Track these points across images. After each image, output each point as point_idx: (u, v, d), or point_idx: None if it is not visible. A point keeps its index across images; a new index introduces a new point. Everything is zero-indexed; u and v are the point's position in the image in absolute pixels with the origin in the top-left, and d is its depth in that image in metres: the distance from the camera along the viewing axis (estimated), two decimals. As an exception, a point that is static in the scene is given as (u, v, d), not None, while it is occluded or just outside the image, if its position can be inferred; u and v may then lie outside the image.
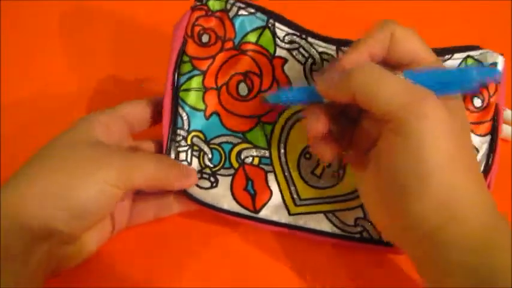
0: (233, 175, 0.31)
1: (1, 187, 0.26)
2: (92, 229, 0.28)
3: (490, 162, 0.30)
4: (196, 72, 0.31)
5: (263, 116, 0.32)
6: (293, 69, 0.31)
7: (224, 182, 0.31)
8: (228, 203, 0.31)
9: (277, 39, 0.31)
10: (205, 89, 0.32)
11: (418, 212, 0.23)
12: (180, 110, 0.31)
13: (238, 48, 0.31)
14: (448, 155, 0.23)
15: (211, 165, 0.31)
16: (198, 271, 0.32)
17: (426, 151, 0.22)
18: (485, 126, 0.31)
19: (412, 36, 0.26)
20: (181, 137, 0.31)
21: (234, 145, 0.31)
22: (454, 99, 0.25)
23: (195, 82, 0.31)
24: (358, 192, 0.29)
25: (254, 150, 0.32)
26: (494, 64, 0.30)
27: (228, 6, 0.31)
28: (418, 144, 0.22)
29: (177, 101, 0.31)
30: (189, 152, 0.31)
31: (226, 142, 0.32)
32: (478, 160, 0.30)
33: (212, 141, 0.31)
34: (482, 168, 0.30)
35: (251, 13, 0.31)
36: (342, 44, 0.31)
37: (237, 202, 0.31)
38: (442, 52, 0.31)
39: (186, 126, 0.31)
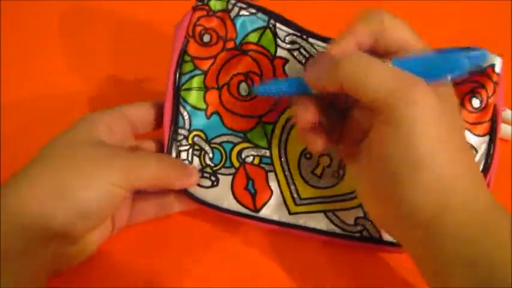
0: (234, 174, 0.32)
1: (1, 187, 0.26)
2: (93, 229, 0.28)
3: (489, 162, 0.31)
4: (197, 71, 0.32)
5: (264, 116, 0.32)
6: (294, 69, 0.32)
7: (225, 181, 0.31)
8: (229, 202, 0.31)
9: (278, 39, 0.32)
10: (206, 89, 0.32)
11: (411, 200, 0.23)
12: (182, 109, 0.31)
13: (240, 48, 0.32)
14: (439, 141, 0.23)
15: (212, 165, 0.32)
16: (199, 270, 0.32)
17: (417, 138, 0.22)
18: (484, 127, 0.31)
19: (401, 24, 0.26)
20: (182, 136, 0.31)
21: (235, 144, 0.32)
22: (444, 85, 0.25)
23: (196, 82, 0.32)
24: (353, 184, 0.29)
25: (255, 149, 0.32)
26: (492, 66, 0.31)
27: (230, 7, 0.31)
28: (408, 131, 0.22)
29: (178, 100, 0.31)
30: (190, 151, 0.32)
31: (227, 141, 0.32)
32: (477, 160, 0.31)
33: (213, 141, 0.32)
34: (481, 168, 0.31)
35: (252, 13, 0.32)
36: None
37: (238, 201, 0.31)
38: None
39: (187, 126, 0.32)
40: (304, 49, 0.32)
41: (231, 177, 0.32)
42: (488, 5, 0.48)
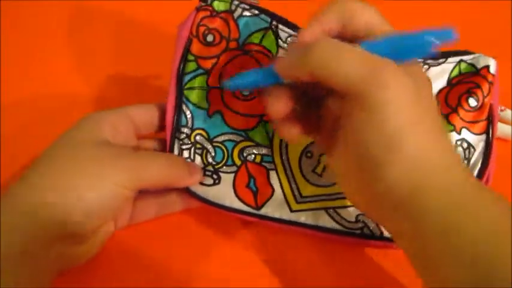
0: (235, 172, 0.32)
1: (14, 186, 0.27)
2: (99, 229, 0.29)
3: (486, 160, 0.31)
4: (200, 71, 0.32)
5: (265, 115, 0.33)
6: None
7: (226, 179, 0.32)
8: (231, 200, 0.32)
9: (279, 40, 0.32)
10: (209, 88, 0.32)
11: (387, 180, 0.23)
12: (184, 108, 0.32)
13: (242, 48, 0.32)
14: (412, 122, 0.23)
15: (214, 163, 0.32)
16: (200, 269, 0.32)
17: (391, 122, 0.22)
18: (481, 125, 0.32)
19: (367, 9, 0.26)
20: (184, 135, 0.32)
21: (237, 143, 0.32)
22: (414, 65, 0.25)
23: (199, 81, 0.32)
24: (328, 163, 0.29)
25: (256, 148, 0.32)
26: (487, 67, 0.32)
27: (233, 7, 0.32)
28: (382, 115, 0.22)
29: (181, 99, 0.32)
30: (192, 149, 0.32)
31: (229, 140, 0.32)
32: (475, 158, 0.31)
33: (215, 139, 0.32)
34: (479, 166, 0.31)
35: (255, 14, 0.32)
36: None
37: (239, 199, 0.32)
38: (437, 56, 0.33)
39: (189, 124, 0.32)
40: None
41: (232, 175, 0.32)
42: (488, 5, 0.48)
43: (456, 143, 0.32)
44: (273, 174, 0.32)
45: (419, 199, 0.23)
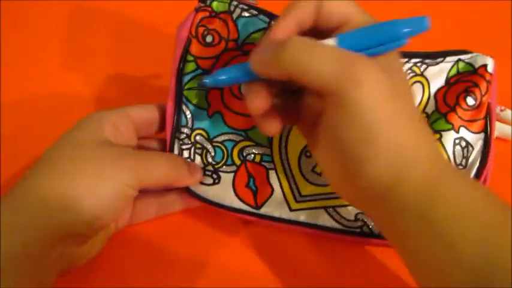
0: (235, 172, 0.33)
1: (15, 186, 0.27)
2: (102, 230, 0.29)
3: (485, 158, 0.32)
4: (200, 71, 0.33)
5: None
6: None
7: (226, 179, 0.32)
8: (230, 200, 0.32)
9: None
10: (208, 88, 0.33)
11: (369, 175, 0.24)
12: (184, 108, 0.33)
13: (241, 49, 0.33)
14: (387, 118, 0.23)
15: (214, 163, 0.33)
16: (201, 268, 0.33)
17: (366, 118, 0.23)
18: (479, 124, 0.32)
19: (341, 1, 0.26)
20: (184, 135, 0.32)
21: (236, 143, 0.33)
22: (389, 56, 0.25)
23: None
24: (315, 158, 0.29)
25: (256, 148, 0.33)
26: (485, 66, 0.32)
27: (232, 8, 0.32)
28: (357, 113, 0.23)
29: (181, 99, 0.32)
30: (192, 149, 0.33)
31: (229, 140, 0.33)
32: (473, 157, 0.32)
33: (215, 139, 0.33)
34: (478, 164, 0.32)
35: (254, 15, 0.33)
36: None
37: (239, 198, 0.32)
38: (435, 55, 0.33)
39: (189, 124, 0.33)
40: None
41: (232, 174, 0.32)
42: (488, 5, 0.48)
43: (455, 141, 0.32)
44: (272, 173, 0.33)
45: (398, 192, 0.23)
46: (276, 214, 0.32)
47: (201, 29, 0.32)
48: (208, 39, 0.32)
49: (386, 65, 0.24)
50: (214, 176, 0.32)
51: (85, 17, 0.47)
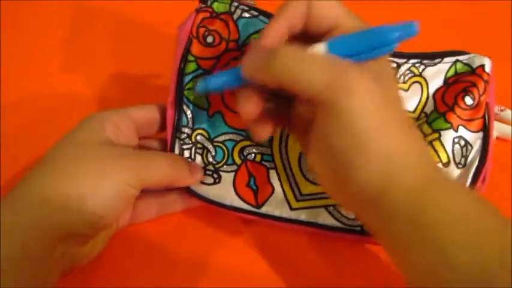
0: (236, 171, 0.33)
1: (16, 186, 0.27)
2: (103, 230, 0.29)
3: (484, 157, 0.32)
4: (200, 71, 0.33)
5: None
6: None
7: (227, 178, 0.33)
8: (231, 199, 0.33)
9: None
10: None
11: (360, 182, 0.24)
12: (185, 108, 0.33)
13: (242, 49, 0.33)
14: (378, 126, 0.24)
15: (214, 162, 0.33)
16: (202, 268, 0.33)
17: (359, 126, 0.23)
18: (477, 123, 0.33)
19: (331, 3, 0.26)
20: (185, 135, 0.33)
21: (237, 142, 0.33)
22: (379, 62, 0.25)
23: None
24: (308, 161, 0.30)
25: (256, 147, 0.33)
26: (482, 66, 0.33)
27: (232, 9, 0.33)
28: (349, 122, 0.23)
29: (181, 99, 0.33)
30: (193, 149, 0.33)
31: (230, 140, 0.33)
32: (472, 155, 0.32)
33: (216, 139, 0.33)
34: (477, 163, 0.32)
35: (254, 16, 0.33)
36: None
37: (240, 198, 0.33)
38: (433, 56, 0.34)
39: (190, 124, 0.33)
40: None
41: (233, 174, 0.33)
42: (488, 5, 0.48)
43: (454, 140, 0.32)
44: (272, 173, 0.33)
45: (389, 197, 0.24)
46: (277, 213, 0.33)
47: (201, 30, 0.33)
48: (209, 39, 0.33)
49: (376, 72, 0.25)
50: (215, 175, 0.33)
51: (85, 17, 0.47)
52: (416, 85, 0.34)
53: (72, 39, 0.46)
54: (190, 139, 0.33)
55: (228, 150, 0.33)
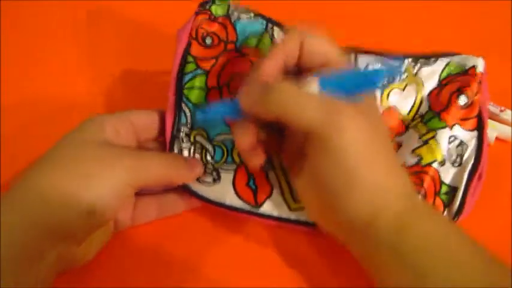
0: (235, 171, 0.34)
1: (14, 186, 0.28)
2: (99, 229, 0.30)
3: (479, 156, 0.33)
4: (199, 71, 0.34)
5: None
6: None
7: (226, 178, 0.33)
8: (231, 198, 0.33)
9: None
10: (208, 88, 0.34)
11: (348, 211, 0.27)
12: (184, 107, 0.34)
13: (239, 50, 0.34)
14: (369, 161, 0.26)
15: (213, 162, 0.34)
16: (202, 268, 0.33)
17: (350, 163, 0.26)
18: (471, 122, 0.34)
19: (321, 40, 0.29)
20: (184, 134, 0.34)
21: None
22: (367, 100, 0.28)
23: (199, 81, 0.34)
24: (294, 187, 0.32)
25: None
26: (475, 67, 0.34)
27: (230, 12, 0.34)
28: (342, 158, 0.26)
29: (181, 98, 0.34)
30: (192, 148, 0.34)
31: (228, 139, 0.34)
32: (468, 154, 0.33)
33: (215, 139, 0.34)
34: (472, 161, 0.33)
35: (251, 18, 0.34)
36: None
37: (240, 197, 0.33)
38: (428, 56, 0.35)
39: (189, 124, 0.34)
40: None
41: (232, 173, 0.34)
42: (488, 5, 0.48)
43: (449, 139, 0.33)
44: (271, 173, 0.34)
45: (374, 227, 0.26)
46: (276, 213, 0.33)
47: (200, 31, 0.34)
48: (208, 41, 0.34)
49: (365, 111, 0.27)
50: (214, 174, 0.33)
51: (85, 17, 0.48)
52: (411, 86, 0.35)
53: (72, 39, 0.46)
54: (189, 139, 0.33)
55: (227, 149, 0.34)
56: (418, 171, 0.33)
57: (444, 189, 0.33)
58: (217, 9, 0.34)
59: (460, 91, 0.33)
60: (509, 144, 0.40)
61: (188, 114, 0.33)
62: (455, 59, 0.35)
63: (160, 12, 0.47)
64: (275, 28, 0.34)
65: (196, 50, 0.34)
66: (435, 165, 0.33)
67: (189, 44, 0.34)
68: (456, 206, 0.32)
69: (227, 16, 0.34)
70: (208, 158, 0.34)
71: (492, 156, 0.35)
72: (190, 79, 0.34)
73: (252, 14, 0.34)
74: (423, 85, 0.35)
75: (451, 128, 0.33)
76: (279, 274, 0.33)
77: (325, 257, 0.33)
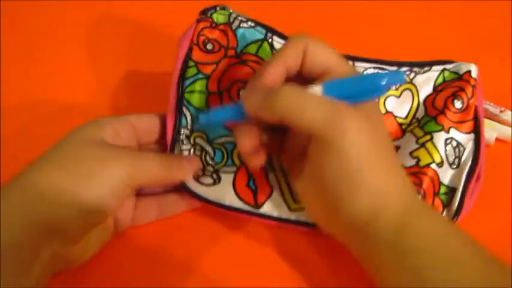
0: (235, 172, 0.34)
1: (13, 186, 0.28)
2: (95, 229, 0.30)
3: (476, 158, 0.34)
4: (200, 75, 0.35)
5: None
6: None
7: (226, 179, 0.34)
8: (231, 199, 0.34)
9: (274, 51, 0.35)
10: (208, 93, 0.35)
11: (349, 211, 0.27)
12: (185, 110, 0.34)
13: (240, 57, 0.35)
14: (370, 164, 0.27)
15: (214, 163, 0.34)
16: (202, 269, 0.33)
17: (353, 163, 0.26)
18: (468, 125, 0.34)
19: (324, 48, 0.29)
20: (184, 136, 0.34)
21: (236, 144, 0.33)
22: (369, 104, 0.28)
23: (199, 85, 0.35)
24: (294, 188, 0.32)
25: None
26: (469, 72, 0.35)
27: (231, 20, 0.35)
28: (345, 160, 0.26)
29: (181, 102, 0.34)
30: (192, 151, 0.35)
31: (228, 142, 0.35)
32: (465, 156, 0.34)
33: (215, 141, 0.35)
34: (470, 163, 0.34)
35: (251, 26, 0.35)
36: None
37: (240, 198, 0.34)
38: (422, 65, 0.36)
39: (189, 126, 0.35)
40: None
41: (232, 175, 0.34)
42: (488, 5, 0.48)
43: (446, 141, 0.34)
44: (271, 174, 0.34)
45: (375, 227, 0.27)
46: (276, 214, 0.34)
47: (201, 38, 0.35)
48: (209, 46, 0.35)
49: (367, 113, 0.27)
50: (215, 176, 0.34)
51: (86, 17, 0.48)
52: (408, 92, 0.36)
53: (72, 40, 0.46)
54: (190, 141, 0.34)
55: (227, 152, 0.34)
56: (417, 172, 0.33)
57: (443, 189, 0.33)
58: (218, 17, 0.35)
59: (455, 96, 0.34)
60: (509, 144, 0.40)
61: (189, 117, 0.34)
62: (449, 67, 0.36)
63: (162, 13, 0.47)
64: (274, 37, 0.35)
65: (197, 55, 0.35)
66: (433, 166, 0.33)
67: (190, 49, 0.34)
68: (455, 207, 0.32)
69: (228, 24, 0.35)
70: (208, 160, 0.34)
71: (492, 156, 0.35)
72: (191, 83, 0.34)
73: (252, 23, 0.35)
74: (418, 91, 0.35)
75: (448, 131, 0.34)
76: (279, 274, 0.33)
77: (325, 257, 0.34)
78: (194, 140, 0.34)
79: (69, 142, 0.30)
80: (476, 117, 0.34)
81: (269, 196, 0.34)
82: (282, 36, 0.35)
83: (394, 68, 0.36)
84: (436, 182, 0.33)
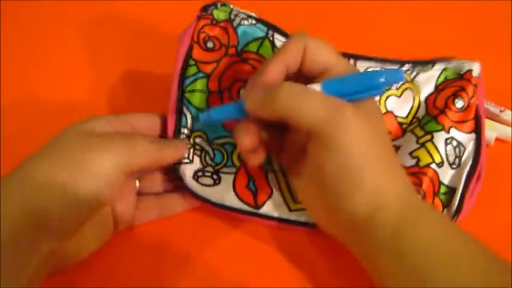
0: (235, 173, 0.34)
1: (11, 180, 0.28)
2: (92, 226, 0.30)
3: (477, 157, 0.34)
4: (201, 74, 0.35)
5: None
6: None
7: (226, 180, 0.34)
8: (231, 200, 0.34)
9: (275, 49, 0.35)
10: (209, 92, 0.35)
11: (349, 209, 0.27)
12: (185, 110, 0.35)
13: (240, 55, 0.35)
14: (370, 161, 0.27)
15: (213, 164, 0.35)
16: (202, 269, 0.33)
17: (353, 161, 0.26)
18: (469, 125, 0.34)
19: (324, 47, 0.29)
20: (184, 136, 0.34)
21: (236, 145, 0.34)
22: (368, 101, 0.28)
23: (200, 84, 0.35)
24: (294, 187, 0.32)
25: None
26: (470, 71, 0.35)
27: (232, 17, 0.35)
28: (345, 157, 0.26)
29: (182, 101, 0.34)
30: (192, 150, 0.35)
31: (228, 143, 0.35)
32: (466, 156, 0.34)
33: (215, 142, 0.35)
34: (470, 163, 0.34)
35: (252, 24, 0.35)
36: None
37: (240, 199, 0.34)
38: (424, 63, 0.36)
39: (190, 126, 0.35)
40: None
41: (232, 176, 0.34)
42: (488, 5, 0.48)
43: (446, 141, 0.34)
44: (271, 174, 0.34)
45: (374, 225, 0.27)
46: (276, 214, 0.34)
47: (202, 35, 0.35)
48: (209, 44, 0.35)
49: (367, 112, 0.27)
50: (215, 177, 0.34)
51: (86, 17, 0.48)
52: (408, 91, 0.36)
53: (72, 40, 0.47)
54: (190, 140, 0.34)
55: (227, 153, 0.34)
56: (417, 172, 0.33)
57: (443, 189, 0.33)
58: (219, 14, 0.35)
59: (455, 95, 0.34)
60: (509, 144, 0.40)
61: (189, 116, 0.34)
62: (452, 65, 0.35)
63: (162, 13, 0.47)
64: (276, 35, 0.35)
65: (197, 53, 0.35)
66: (433, 166, 0.33)
67: (190, 47, 0.34)
68: (455, 207, 0.33)
69: (229, 20, 0.35)
70: (208, 160, 0.34)
71: (492, 156, 0.35)
72: (192, 82, 0.34)
73: (253, 20, 0.35)
74: (420, 90, 0.35)
75: (448, 130, 0.34)
76: (279, 274, 0.33)
77: (325, 257, 0.34)
78: (194, 140, 0.34)
79: (64, 136, 0.30)
80: (477, 117, 0.34)
81: (269, 197, 0.34)
82: (283, 33, 0.35)
83: (396, 67, 0.35)
84: (436, 181, 0.33)
